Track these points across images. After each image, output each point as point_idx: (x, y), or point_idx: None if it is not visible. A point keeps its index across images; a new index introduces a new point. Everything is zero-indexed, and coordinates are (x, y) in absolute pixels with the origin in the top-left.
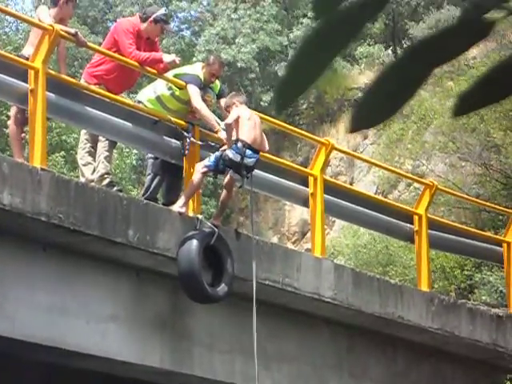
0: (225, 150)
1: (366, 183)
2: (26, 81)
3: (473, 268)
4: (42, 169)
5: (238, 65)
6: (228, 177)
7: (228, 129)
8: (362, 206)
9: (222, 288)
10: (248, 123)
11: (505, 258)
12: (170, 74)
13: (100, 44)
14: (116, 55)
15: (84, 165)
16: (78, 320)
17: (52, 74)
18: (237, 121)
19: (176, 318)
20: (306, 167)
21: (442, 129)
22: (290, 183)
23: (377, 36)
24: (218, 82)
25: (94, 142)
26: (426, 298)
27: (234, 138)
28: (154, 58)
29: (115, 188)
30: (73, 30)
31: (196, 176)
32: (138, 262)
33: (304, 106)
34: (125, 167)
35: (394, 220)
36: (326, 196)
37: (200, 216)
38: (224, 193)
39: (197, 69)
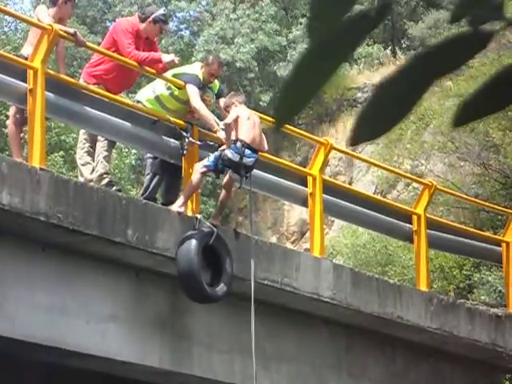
0: (224, 149)
1: (365, 183)
2: (25, 80)
3: (472, 268)
4: (41, 168)
5: (237, 65)
6: (227, 177)
7: (227, 129)
8: (361, 205)
9: (221, 288)
10: (247, 123)
11: (504, 257)
12: (168, 74)
13: (99, 44)
14: (115, 55)
15: (83, 164)
16: (77, 320)
17: (51, 74)
18: (236, 120)
19: (175, 317)
20: (304, 167)
21: (441, 129)
22: (289, 183)
23: (376, 36)
24: (216, 82)
25: (92, 142)
26: (425, 297)
27: (233, 137)
28: (153, 57)
29: (114, 188)
30: (72, 30)
31: (195, 176)
32: (137, 262)
33: None
34: (124, 167)
35: (393, 220)
36: (324, 196)
37: (199, 216)
38: (223, 193)
39: (196, 68)
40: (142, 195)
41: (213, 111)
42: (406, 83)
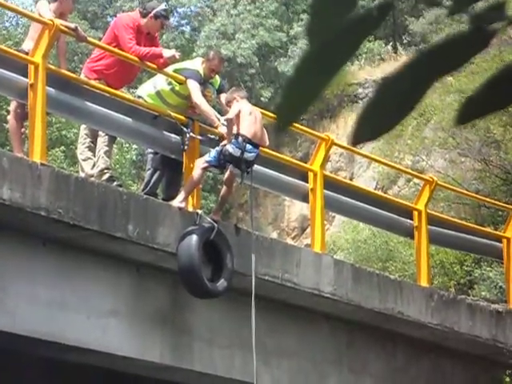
0: (225, 145)
1: (366, 179)
2: (25, 75)
3: (472, 264)
4: (42, 164)
5: (238, 60)
6: (228, 172)
7: (229, 124)
8: (362, 201)
9: (222, 283)
10: (249, 118)
11: (504, 253)
12: (169, 69)
13: (100, 39)
14: (116, 50)
15: (84, 160)
16: (78, 315)
17: (52, 69)
18: (238, 115)
19: (176, 313)
20: (305, 163)
21: (442, 124)
22: (290, 179)
23: (377, 32)
24: (217, 78)
25: (93, 137)
26: (426, 293)
27: (234, 132)
28: (154, 53)
29: (115, 183)
30: (73, 25)
31: (196, 171)
32: (138, 257)
33: None
34: (125, 162)
35: (394, 215)
36: (325, 191)
37: (200, 211)
38: (224, 188)
39: (197, 64)
40: (143, 190)
41: (213, 107)
42: (407, 81)
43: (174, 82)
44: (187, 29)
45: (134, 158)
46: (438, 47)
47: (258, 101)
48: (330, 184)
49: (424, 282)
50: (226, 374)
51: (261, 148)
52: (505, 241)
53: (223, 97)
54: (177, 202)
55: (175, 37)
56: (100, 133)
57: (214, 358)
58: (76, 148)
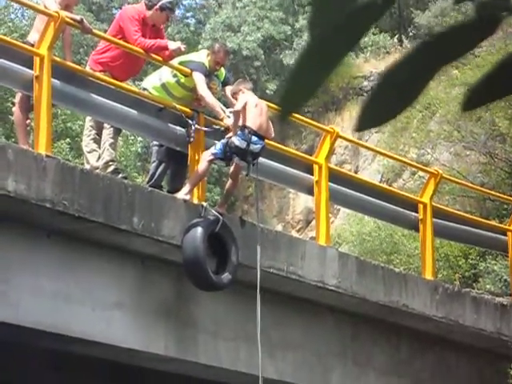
0: (230, 137)
1: (371, 171)
2: (31, 67)
3: (477, 257)
4: (47, 155)
5: (243, 53)
6: (234, 165)
7: (236, 115)
8: (367, 194)
9: (227, 276)
10: (254, 110)
11: (509, 246)
12: (175, 62)
13: (105, 31)
14: (121, 42)
15: (89, 152)
16: (82, 307)
17: (57, 61)
18: (244, 107)
19: (181, 305)
20: (310, 155)
21: (447, 118)
22: (295, 171)
23: (382, 24)
24: (222, 70)
25: (99, 129)
26: (431, 286)
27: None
28: (160, 45)
29: (120, 175)
30: (78, 17)
31: (202, 164)
32: (142, 250)
33: None
34: (130, 154)
35: (399, 208)
36: (330, 184)
37: (205, 203)
38: (230, 181)
39: (202, 56)
40: (148, 183)
41: (219, 99)
42: (411, 70)
43: (179, 74)
44: (192, 21)
45: (139, 150)
46: (442, 35)
47: (264, 93)
48: (334, 177)
49: (429, 275)
50: (230, 367)
51: (266, 140)
52: (510, 234)
53: (228, 89)
54: (182, 195)
55: (180, 29)
56: (105, 125)
57: (218, 350)
58: (81, 140)
